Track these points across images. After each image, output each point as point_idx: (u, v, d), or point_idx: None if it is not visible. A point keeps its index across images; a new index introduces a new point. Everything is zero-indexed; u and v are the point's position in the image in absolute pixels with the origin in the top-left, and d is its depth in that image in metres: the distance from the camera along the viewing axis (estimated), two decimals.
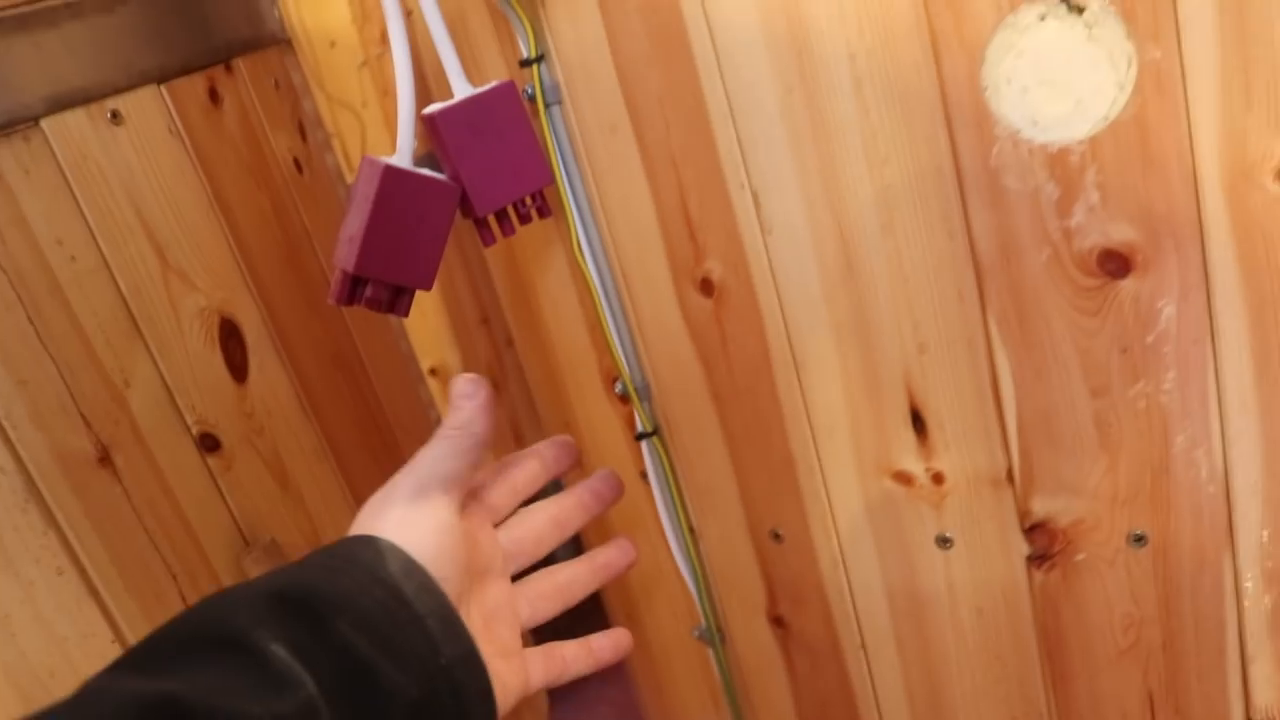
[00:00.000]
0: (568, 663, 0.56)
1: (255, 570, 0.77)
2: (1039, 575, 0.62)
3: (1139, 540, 0.59)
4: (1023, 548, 0.62)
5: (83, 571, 0.67)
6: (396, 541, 0.46)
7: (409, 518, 0.48)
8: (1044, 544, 0.61)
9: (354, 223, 0.59)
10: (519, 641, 0.54)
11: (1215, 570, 0.60)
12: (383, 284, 0.60)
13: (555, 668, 0.55)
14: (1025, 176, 0.53)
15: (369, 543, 0.46)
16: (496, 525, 0.56)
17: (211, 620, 0.41)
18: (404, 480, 0.50)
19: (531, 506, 0.59)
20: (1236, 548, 0.59)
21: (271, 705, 0.38)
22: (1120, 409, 0.57)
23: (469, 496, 0.55)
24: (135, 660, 0.41)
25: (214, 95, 0.80)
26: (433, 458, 0.51)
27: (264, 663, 0.40)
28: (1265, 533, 0.58)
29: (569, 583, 0.59)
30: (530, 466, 0.59)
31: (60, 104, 0.68)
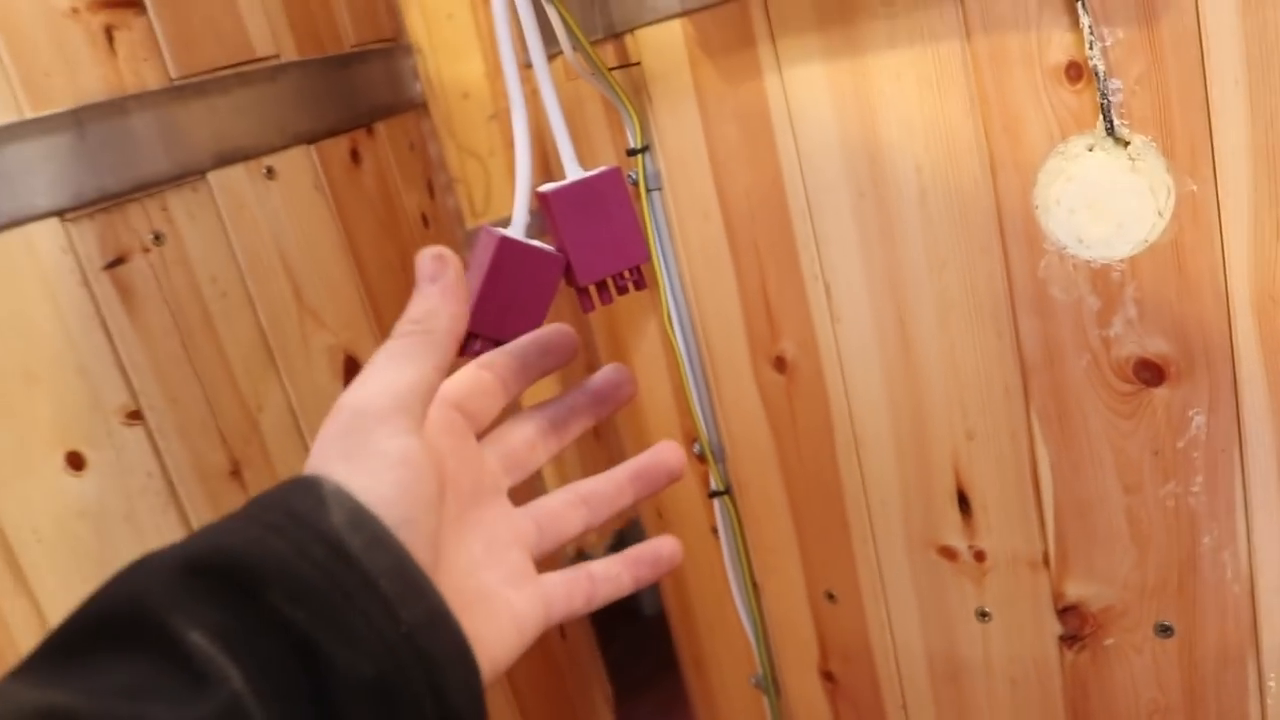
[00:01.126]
0: (597, 583, 0.47)
1: None
2: (1070, 655, 0.66)
3: (1165, 631, 0.64)
4: (1056, 628, 0.66)
5: None
6: (346, 482, 0.38)
7: (358, 450, 0.39)
8: (1075, 626, 0.66)
9: (470, 284, 0.67)
10: (531, 566, 0.46)
11: (1239, 667, 0.63)
12: (491, 340, 0.68)
13: (581, 591, 0.47)
14: (1070, 288, 0.58)
15: (309, 488, 0.38)
16: (481, 437, 0.48)
17: (123, 603, 0.35)
18: (350, 400, 0.40)
19: (522, 411, 0.51)
20: (1260, 647, 0.62)
21: (183, 711, 0.33)
22: (1151, 506, 0.61)
23: (448, 407, 0.46)
24: (43, 655, 0.35)
25: (355, 155, 0.89)
26: (385, 367, 0.41)
27: (179, 655, 0.34)
28: None
29: (588, 498, 0.49)
30: (512, 363, 0.51)
31: (224, 160, 0.77)
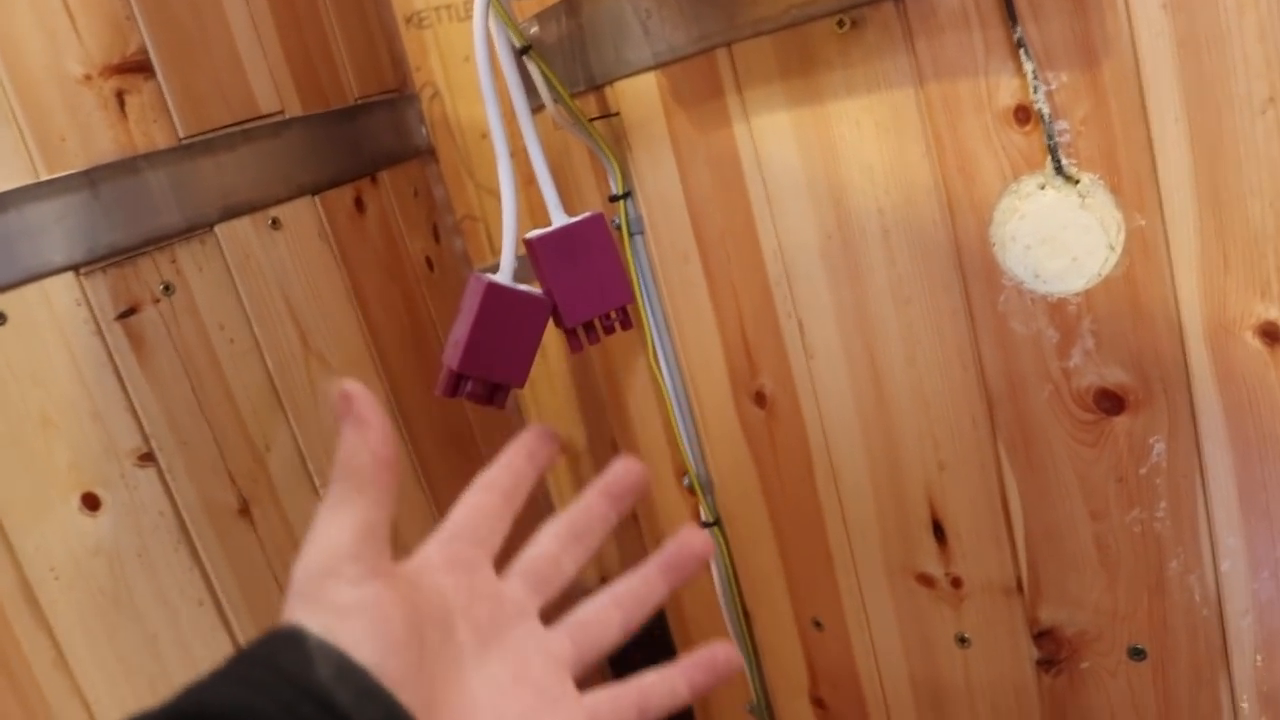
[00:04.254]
0: (648, 696, 0.45)
1: None
2: (1047, 679, 0.68)
3: (1138, 654, 0.65)
4: (1032, 652, 0.68)
5: (219, 605, 0.79)
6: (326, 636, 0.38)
7: (310, 612, 0.39)
8: (1051, 650, 0.67)
9: (460, 328, 0.70)
10: (569, 685, 0.44)
11: (1212, 689, 0.64)
12: (482, 381, 0.70)
13: (630, 705, 0.44)
14: (1029, 322, 0.60)
15: (294, 643, 0.38)
16: (499, 560, 0.47)
17: None
18: (298, 567, 0.40)
19: (539, 531, 0.49)
20: (1232, 669, 0.64)
21: None
22: (1118, 532, 0.63)
23: (449, 542, 0.46)
24: None
25: (359, 204, 0.93)
26: (323, 523, 0.41)
27: None
28: (1259, 657, 0.63)
29: (621, 599, 0.47)
30: (506, 475, 0.49)
31: (231, 212, 0.81)
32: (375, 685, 0.37)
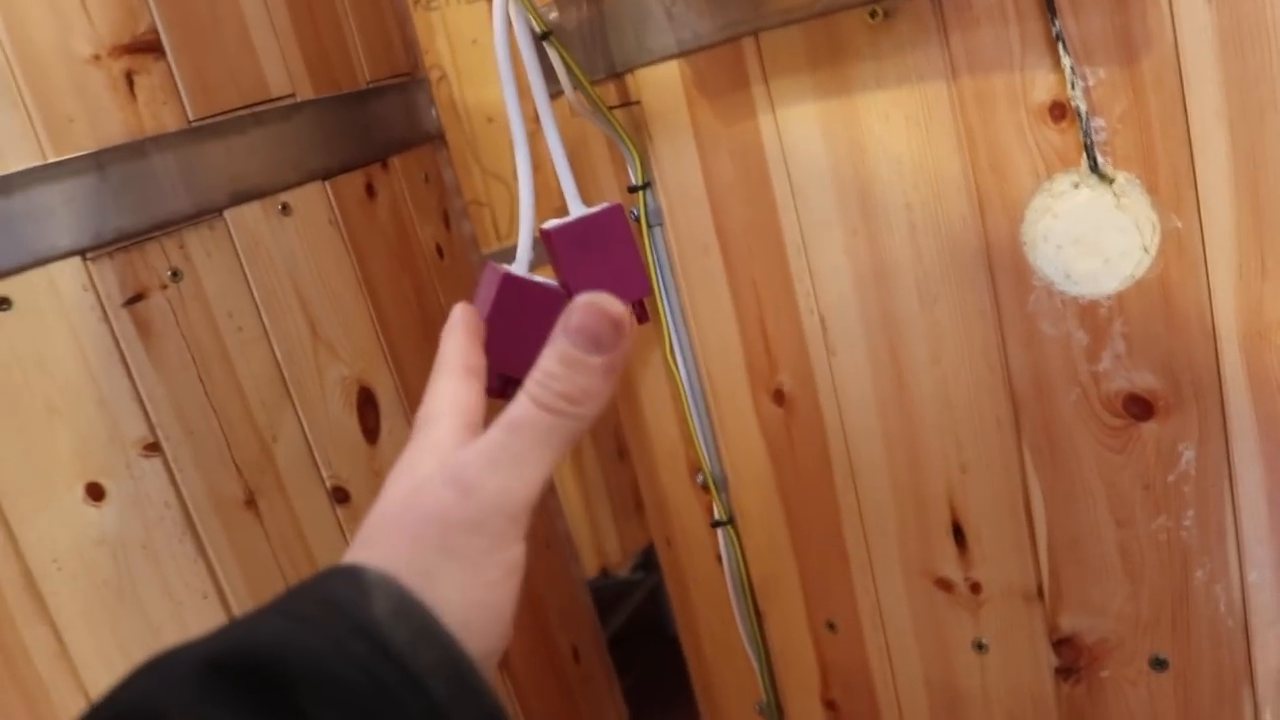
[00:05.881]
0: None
1: None
2: (1066, 688, 0.67)
3: (1160, 664, 0.64)
4: (1051, 660, 0.67)
5: (223, 597, 0.78)
6: (452, 583, 0.35)
7: (480, 551, 0.36)
8: (1071, 658, 0.66)
9: None
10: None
11: (1235, 701, 0.63)
12: (494, 374, 0.69)
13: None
14: (1058, 323, 0.59)
15: (351, 576, 0.34)
16: None
17: (135, 708, 0.32)
18: (491, 492, 0.36)
19: None
20: (1255, 682, 0.62)
21: None
22: (1143, 540, 0.61)
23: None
24: None
25: (370, 189, 0.91)
26: (532, 454, 0.37)
27: None
28: None
29: None
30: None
31: (240, 197, 0.79)
32: (435, 625, 0.34)
